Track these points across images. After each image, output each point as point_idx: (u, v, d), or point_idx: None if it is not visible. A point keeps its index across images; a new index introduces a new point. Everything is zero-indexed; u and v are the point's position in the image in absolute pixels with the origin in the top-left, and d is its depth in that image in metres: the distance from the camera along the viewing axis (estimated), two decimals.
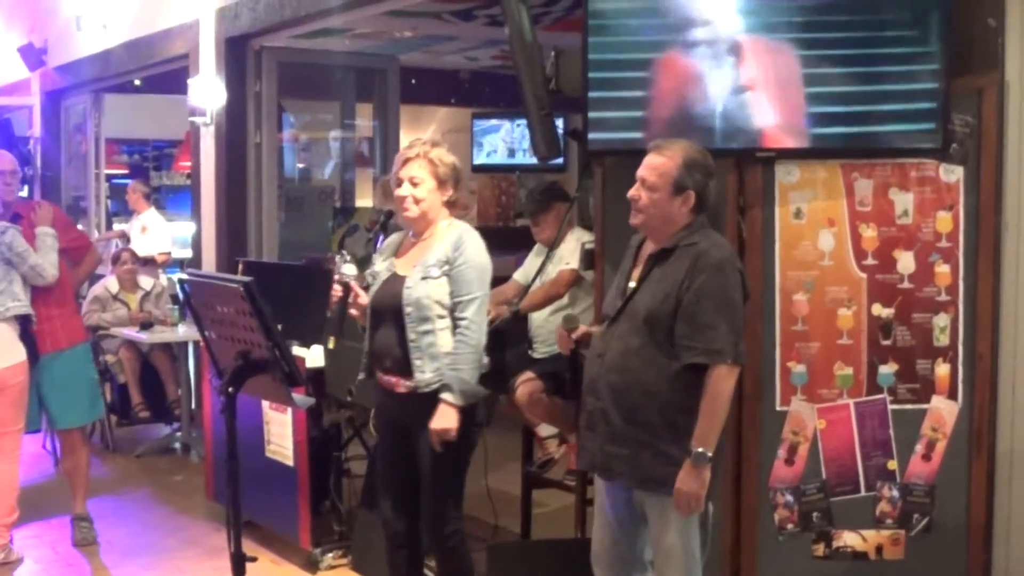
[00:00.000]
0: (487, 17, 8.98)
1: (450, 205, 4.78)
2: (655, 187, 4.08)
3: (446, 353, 4.65)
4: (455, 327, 4.67)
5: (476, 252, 4.72)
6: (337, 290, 4.72)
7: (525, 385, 6.28)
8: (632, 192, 4.14)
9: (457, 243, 4.68)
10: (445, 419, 4.61)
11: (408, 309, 4.63)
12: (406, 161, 4.69)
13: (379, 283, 4.78)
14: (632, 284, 4.19)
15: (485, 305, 4.75)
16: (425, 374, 4.63)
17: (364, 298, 4.77)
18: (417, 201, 4.68)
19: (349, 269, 4.76)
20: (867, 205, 4.77)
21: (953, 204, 4.72)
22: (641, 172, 4.13)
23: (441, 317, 4.66)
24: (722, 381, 3.95)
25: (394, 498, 4.89)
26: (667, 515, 4.06)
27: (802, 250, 4.81)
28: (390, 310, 4.68)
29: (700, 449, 3.93)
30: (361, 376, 4.88)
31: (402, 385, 4.69)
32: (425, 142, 4.76)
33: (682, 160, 4.07)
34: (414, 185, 4.67)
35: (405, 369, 4.67)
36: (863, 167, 4.76)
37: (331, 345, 4.66)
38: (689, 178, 4.06)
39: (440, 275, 4.65)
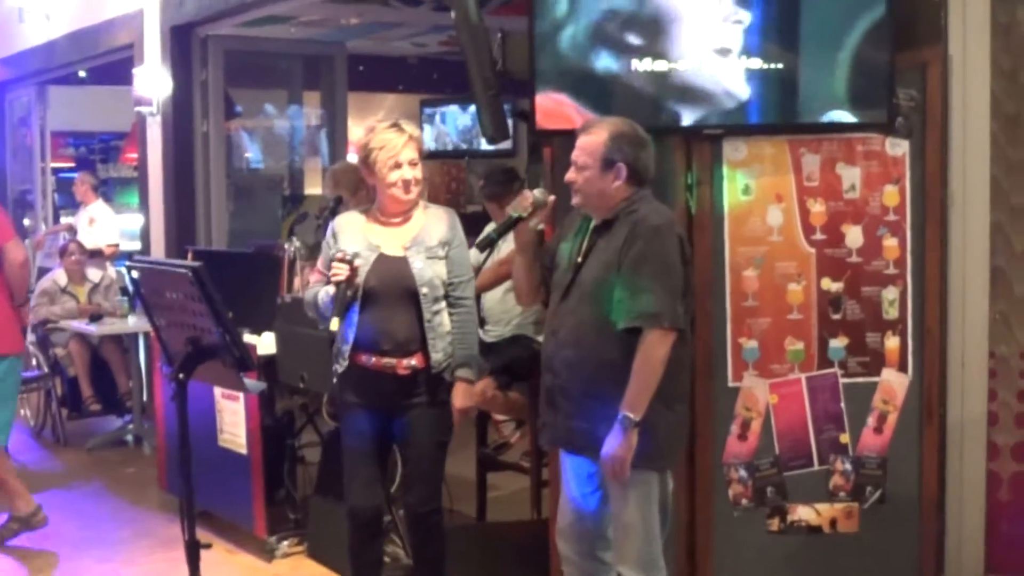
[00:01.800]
0: (433, 2, 8.97)
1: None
2: (586, 166, 4.12)
3: (447, 332, 4.69)
4: (452, 307, 4.72)
5: (463, 234, 4.80)
6: (340, 268, 4.57)
7: (477, 385, 6.26)
8: (568, 176, 4.18)
9: (452, 224, 4.75)
10: (469, 397, 4.71)
11: (424, 290, 4.61)
12: (402, 145, 4.64)
13: (368, 264, 4.69)
14: (580, 259, 4.19)
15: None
16: (438, 353, 4.66)
17: (359, 278, 4.68)
18: (417, 183, 4.69)
19: (349, 247, 4.67)
20: (814, 180, 4.80)
21: (900, 178, 4.75)
22: (573, 155, 4.18)
23: (443, 298, 4.71)
24: (655, 346, 3.93)
25: (365, 483, 4.84)
26: (627, 491, 4.06)
27: (751, 226, 4.83)
28: (395, 291, 4.63)
29: (627, 413, 3.92)
30: (344, 363, 4.75)
31: (403, 366, 4.66)
32: (397, 123, 4.71)
33: (608, 135, 4.11)
34: (413, 166, 4.66)
35: (404, 350, 4.65)
36: (810, 142, 4.79)
37: (335, 327, 4.57)
38: (617, 151, 4.09)
39: (443, 255, 4.69)
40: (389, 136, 4.64)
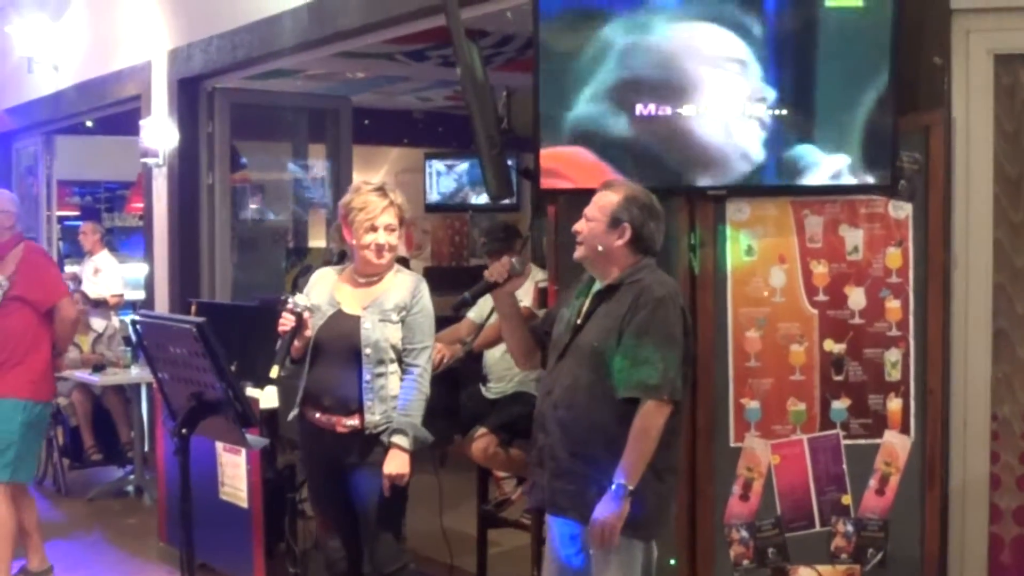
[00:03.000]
0: (440, 58, 9.00)
1: None
2: (593, 218, 4.17)
3: (393, 396, 4.71)
4: (403, 372, 4.74)
5: (429, 302, 4.84)
6: (288, 319, 4.68)
7: (479, 441, 6.26)
8: (576, 226, 4.23)
9: (415, 291, 4.78)
10: (399, 464, 4.68)
11: (367, 350, 4.65)
12: (383, 209, 4.72)
13: (323, 319, 4.77)
14: (579, 321, 4.20)
15: (432, 354, 4.87)
16: (375, 416, 4.68)
17: (310, 331, 4.75)
18: (391, 248, 4.76)
19: (302, 299, 4.74)
20: (817, 242, 4.81)
21: (903, 240, 4.76)
22: (586, 208, 4.22)
23: (392, 361, 4.73)
24: (651, 416, 3.93)
25: (341, 534, 4.89)
26: (610, 556, 4.04)
27: (754, 287, 4.84)
28: (341, 348, 4.70)
29: (622, 482, 3.92)
30: (294, 412, 4.87)
31: (343, 424, 4.69)
32: (382, 187, 4.80)
33: (622, 196, 4.16)
34: (390, 232, 4.72)
35: (345, 409, 4.69)
36: (813, 204, 4.80)
37: (274, 374, 4.63)
38: (626, 212, 4.13)
39: (397, 320, 4.72)
40: (371, 199, 4.72)
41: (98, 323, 9.71)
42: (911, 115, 4.67)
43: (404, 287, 4.79)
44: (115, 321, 10.21)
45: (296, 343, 4.73)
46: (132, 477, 9.03)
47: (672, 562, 4.81)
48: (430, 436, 4.74)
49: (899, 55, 4.58)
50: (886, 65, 4.58)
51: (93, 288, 10.64)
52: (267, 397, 6.08)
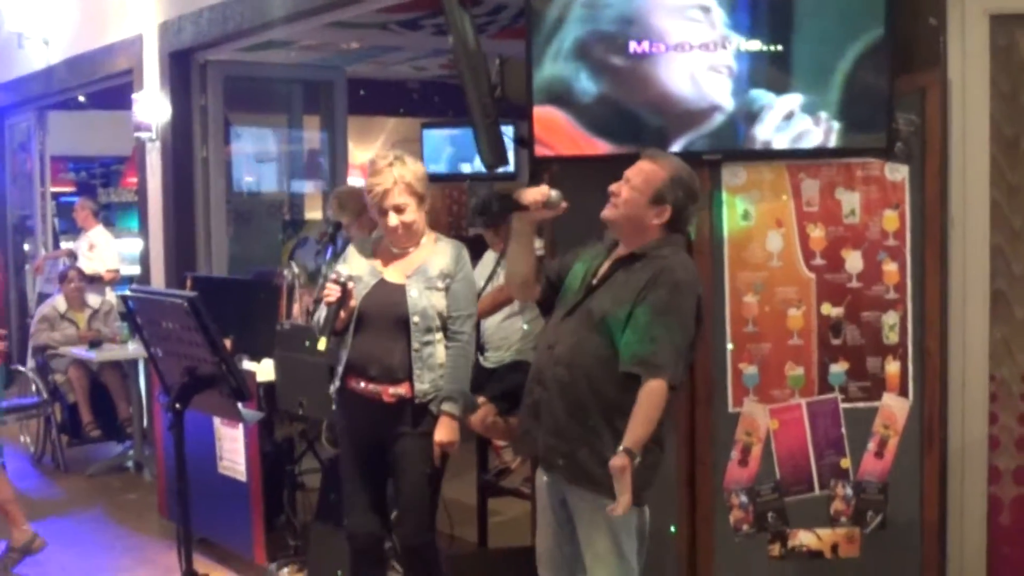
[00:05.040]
0: (433, 26, 8.95)
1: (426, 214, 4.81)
2: (637, 188, 4.04)
3: (440, 364, 4.68)
4: (449, 340, 4.71)
5: (471, 269, 4.84)
6: (332, 289, 4.62)
7: (478, 411, 6.24)
8: (614, 186, 4.08)
9: (458, 258, 4.75)
10: (450, 431, 4.67)
11: (415, 319, 4.63)
12: (385, 192, 4.64)
13: (367, 288, 4.72)
14: (594, 282, 4.16)
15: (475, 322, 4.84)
16: (424, 384, 4.65)
17: (355, 301, 4.70)
18: (408, 226, 4.69)
19: (345, 269, 4.70)
20: (814, 205, 4.79)
21: (899, 203, 4.74)
22: (630, 171, 4.09)
23: (439, 329, 4.69)
24: (655, 394, 3.86)
25: (364, 508, 4.84)
26: (597, 517, 3.99)
27: (751, 251, 4.83)
28: (387, 317, 4.65)
29: (630, 446, 3.83)
30: (336, 385, 4.81)
31: (389, 394, 4.66)
32: (392, 163, 4.69)
33: (670, 174, 4.04)
34: (400, 212, 4.66)
35: (392, 378, 4.65)
36: (809, 168, 4.78)
37: (322, 347, 4.57)
38: (671, 192, 4.02)
39: (443, 287, 4.69)
40: (375, 181, 4.66)
41: (94, 299, 9.68)
42: (907, 77, 4.65)
43: (447, 254, 4.74)
44: (111, 297, 10.19)
45: (341, 314, 4.68)
46: (131, 453, 9.01)
47: (672, 529, 4.81)
48: (478, 403, 4.72)
49: (894, 16, 4.55)
50: (881, 25, 4.54)
51: (88, 264, 10.64)
52: (264, 370, 6.09)
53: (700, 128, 4.71)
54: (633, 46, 4.68)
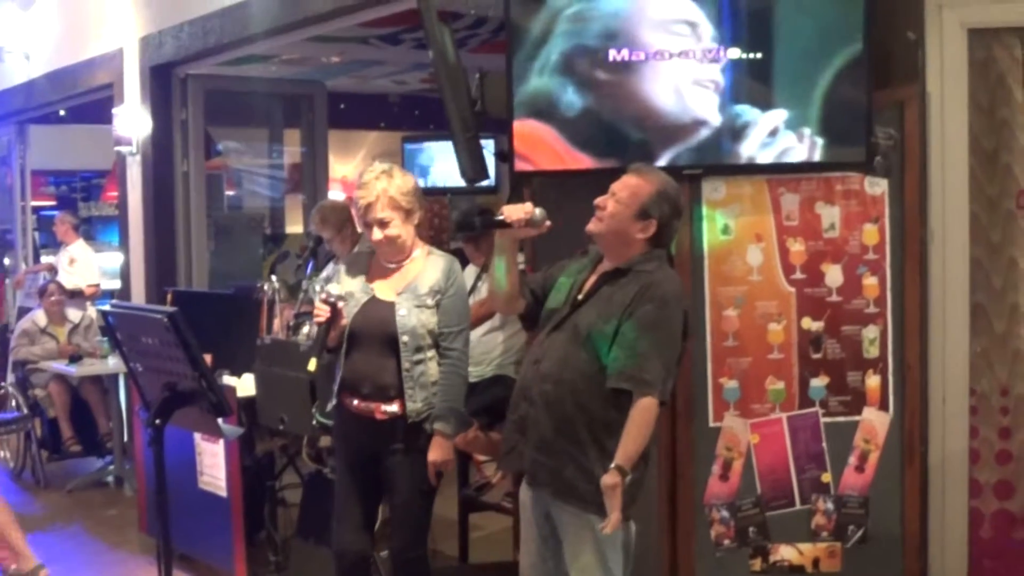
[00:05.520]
0: (414, 41, 8.96)
1: (417, 227, 4.76)
2: (623, 201, 4.03)
3: (432, 382, 4.64)
4: (441, 357, 4.67)
5: (463, 284, 4.79)
6: (322, 310, 4.58)
7: None
8: (599, 200, 4.07)
9: (449, 273, 4.69)
10: (443, 451, 4.63)
11: (404, 338, 4.58)
12: (368, 206, 4.60)
13: (358, 306, 4.69)
14: (580, 296, 4.15)
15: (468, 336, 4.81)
16: (416, 403, 4.60)
17: (345, 320, 4.67)
18: (391, 240, 4.64)
19: (335, 289, 4.68)
20: (794, 219, 4.80)
21: (879, 216, 4.75)
22: (616, 185, 4.08)
23: (430, 347, 4.65)
24: (646, 411, 3.86)
25: (355, 526, 4.81)
26: (583, 532, 4.00)
27: (731, 265, 4.83)
28: (377, 336, 4.61)
29: (620, 463, 3.86)
30: (333, 403, 4.78)
31: (382, 411, 4.64)
32: (379, 176, 4.64)
33: (656, 188, 4.04)
34: (384, 226, 4.61)
35: (384, 395, 4.62)
36: (789, 182, 4.79)
37: (312, 367, 4.55)
38: (656, 207, 4.02)
39: (433, 304, 4.64)
40: (362, 194, 4.62)
41: (74, 314, 9.65)
42: (885, 91, 4.66)
43: (438, 268, 4.69)
44: (91, 311, 10.15)
45: (332, 333, 4.64)
46: (111, 468, 8.97)
47: None
48: (472, 420, 4.68)
49: (872, 31, 4.56)
50: (859, 39, 4.56)
51: (68, 278, 10.59)
52: (244, 385, 6.07)
53: (685, 142, 4.70)
54: (618, 59, 4.68)
